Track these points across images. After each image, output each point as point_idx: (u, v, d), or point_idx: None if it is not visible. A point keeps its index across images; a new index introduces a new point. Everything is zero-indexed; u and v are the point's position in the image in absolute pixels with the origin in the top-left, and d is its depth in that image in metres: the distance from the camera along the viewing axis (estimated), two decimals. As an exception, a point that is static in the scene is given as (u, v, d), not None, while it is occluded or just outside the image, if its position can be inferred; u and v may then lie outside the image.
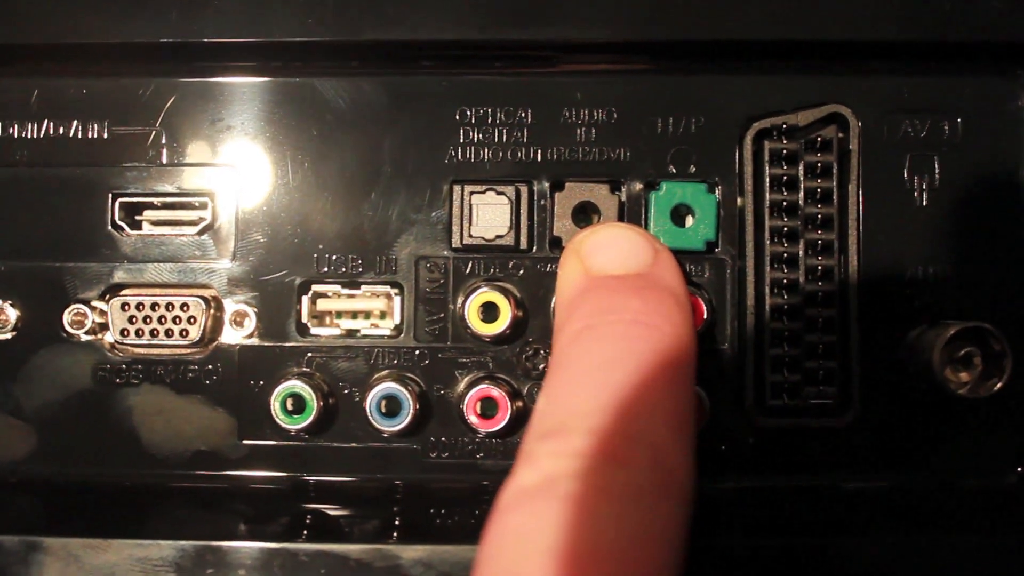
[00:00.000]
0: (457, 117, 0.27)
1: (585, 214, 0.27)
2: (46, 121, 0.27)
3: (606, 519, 0.18)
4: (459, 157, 0.27)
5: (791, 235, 0.27)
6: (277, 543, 0.25)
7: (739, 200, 0.27)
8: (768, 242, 0.27)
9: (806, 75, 0.27)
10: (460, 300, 0.27)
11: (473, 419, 0.27)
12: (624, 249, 0.23)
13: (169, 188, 0.27)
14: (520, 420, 0.27)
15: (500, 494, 0.19)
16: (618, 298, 0.22)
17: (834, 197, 0.27)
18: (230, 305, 0.27)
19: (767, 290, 0.27)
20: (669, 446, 0.19)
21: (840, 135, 0.27)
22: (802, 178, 0.27)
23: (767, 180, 0.27)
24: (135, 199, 0.27)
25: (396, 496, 0.27)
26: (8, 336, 0.27)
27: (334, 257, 0.27)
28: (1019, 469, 0.27)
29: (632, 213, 0.27)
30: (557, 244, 0.27)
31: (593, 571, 0.17)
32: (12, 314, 0.27)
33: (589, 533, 0.18)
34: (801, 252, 0.27)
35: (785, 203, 0.27)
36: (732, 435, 0.27)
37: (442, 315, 0.27)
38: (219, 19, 0.27)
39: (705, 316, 0.27)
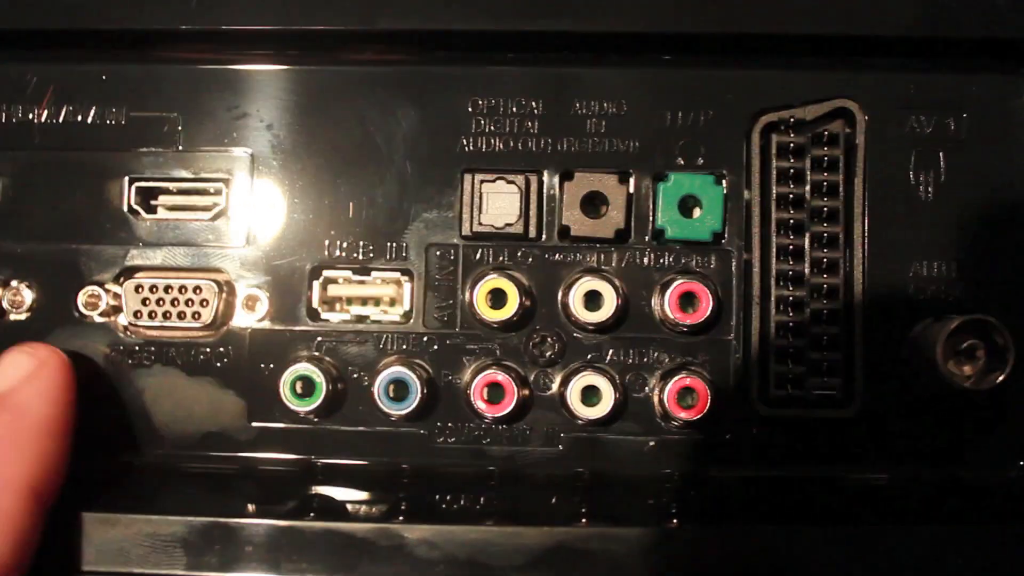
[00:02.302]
0: (469, 107, 0.27)
1: (594, 204, 0.27)
2: (65, 106, 0.28)
3: None
4: (470, 146, 0.27)
5: (797, 228, 0.27)
6: (284, 521, 0.26)
7: (746, 192, 0.27)
8: (774, 234, 0.27)
9: (814, 70, 0.27)
10: (469, 287, 0.27)
11: (480, 404, 0.27)
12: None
13: (185, 173, 0.28)
14: (526, 406, 0.27)
15: None
16: None
17: (840, 191, 0.27)
18: (242, 289, 0.28)
19: (773, 282, 0.27)
20: None
21: (847, 130, 0.27)
22: (809, 172, 0.27)
23: (774, 173, 0.27)
24: (151, 183, 0.28)
25: (402, 479, 0.28)
26: (23, 317, 0.28)
27: (345, 243, 0.27)
28: (1021, 462, 0.27)
29: (641, 204, 0.27)
30: (566, 233, 0.27)
31: None
32: (28, 295, 0.28)
33: None
34: (807, 245, 0.27)
35: (791, 196, 0.27)
36: (736, 425, 0.27)
37: (451, 302, 0.27)
38: (237, 7, 0.27)
39: (710, 307, 0.27)
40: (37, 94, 0.28)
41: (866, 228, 0.27)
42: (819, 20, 0.27)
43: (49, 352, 0.26)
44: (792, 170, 0.27)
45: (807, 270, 0.27)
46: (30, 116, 0.28)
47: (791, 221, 0.27)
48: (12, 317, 0.28)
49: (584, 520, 0.26)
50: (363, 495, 0.27)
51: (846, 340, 0.27)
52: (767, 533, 0.26)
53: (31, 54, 0.28)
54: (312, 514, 0.26)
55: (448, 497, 0.27)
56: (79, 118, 0.28)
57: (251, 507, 0.26)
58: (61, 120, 0.28)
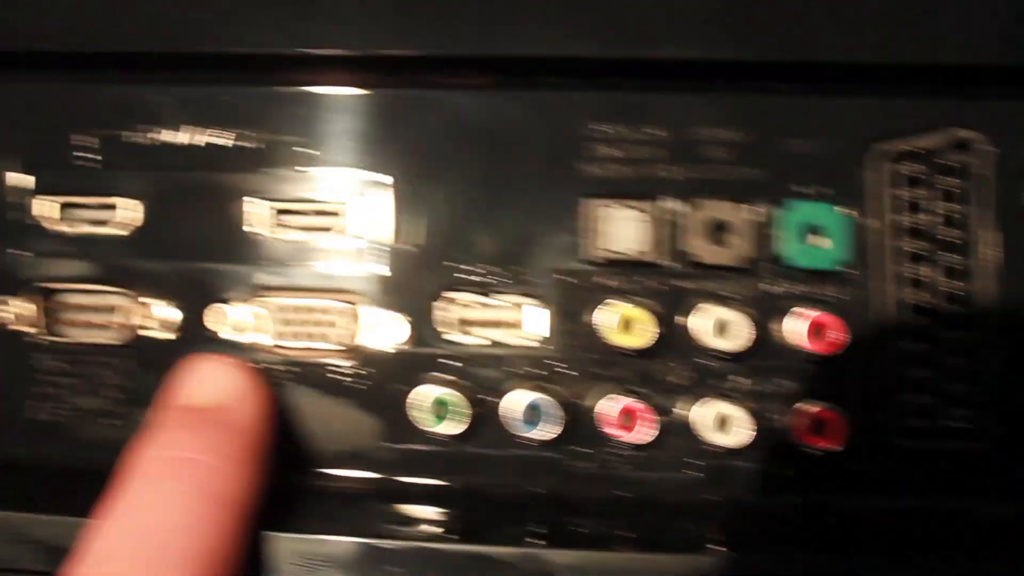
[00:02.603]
0: (595, 133, 0.28)
1: (718, 232, 0.28)
2: (202, 128, 0.29)
3: None
4: (596, 172, 0.28)
5: (924, 258, 0.28)
6: (429, 543, 0.26)
7: (870, 221, 0.28)
8: (902, 264, 0.28)
9: (938, 98, 0.28)
10: (597, 313, 0.28)
11: (613, 431, 0.27)
12: (201, 386, 0.26)
13: (316, 195, 0.29)
14: (661, 433, 0.27)
15: None
16: (181, 433, 0.24)
17: (966, 221, 0.28)
18: (375, 311, 0.28)
19: (901, 311, 0.28)
20: None
21: (971, 159, 0.28)
22: (933, 201, 0.28)
23: (898, 202, 0.28)
24: (285, 205, 0.29)
25: (535, 503, 0.28)
26: (168, 335, 0.28)
27: (479, 268, 0.28)
28: None
29: (765, 232, 0.28)
30: (691, 260, 0.27)
31: None
32: (167, 313, 0.28)
33: None
34: (935, 275, 0.28)
35: (917, 225, 0.28)
36: (867, 456, 0.27)
37: (584, 328, 0.28)
38: (366, 33, 0.28)
39: (842, 337, 0.27)
40: (174, 116, 0.29)
41: (995, 259, 0.27)
42: (941, 49, 0.28)
43: (252, 372, 0.27)
44: (916, 199, 0.28)
45: (937, 301, 0.28)
46: (169, 138, 0.29)
47: (919, 251, 0.28)
48: (154, 335, 0.29)
49: (719, 547, 0.26)
50: (497, 518, 0.27)
51: (980, 372, 0.27)
52: (898, 564, 0.26)
53: (171, 77, 0.29)
54: (452, 535, 0.27)
55: (582, 522, 0.27)
56: (216, 140, 0.29)
57: (393, 528, 0.27)
58: (194, 141, 0.29)
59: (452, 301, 0.28)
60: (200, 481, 0.23)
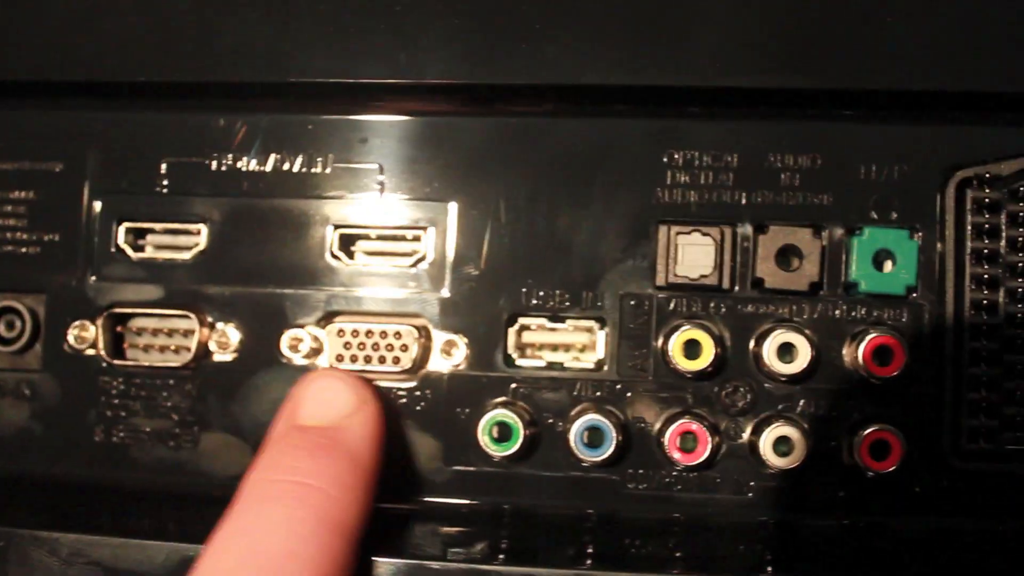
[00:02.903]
0: (665, 159, 0.28)
1: (787, 257, 0.28)
2: (272, 155, 0.29)
3: None
4: (666, 198, 0.28)
5: (991, 282, 0.28)
6: (482, 565, 0.26)
7: (939, 246, 0.28)
8: (967, 288, 0.28)
9: (1010, 126, 0.28)
10: (663, 336, 0.28)
11: (675, 454, 0.28)
12: (324, 401, 0.26)
13: (385, 221, 0.29)
14: (718, 454, 0.28)
15: None
16: (296, 456, 0.25)
17: (1037, 247, 0.28)
18: (440, 335, 0.29)
19: (966, 335, 0.28)
20: None
21: (1044, 186, 0.28)
22: (1004, 227, 0.28)
23: (968, 228, 0.28)
24: (352, 230, 0.29)
25: (593, 524, 0.28)
26: (230, 358, 0.29)
27: (541, 292, 0.28)
28: None
29: (833, 257, 0.28)
30: (759, 285, 0.28)
31: None
32: (235, 336, 0.29)
33: None
34: (1001, 299, 0.28)
35: (986, 251, 0.28)
36: (927, 477, 0.28)
37: (644, 351, 0.28)
38: (441, 62, 0.28)
39: (904, 361, 0.27)
40: (246, 143, 0.29)
41: (1062, 284, 0.27)
42: (1013, 77, 0.27)
43: (368, 389, 0.27)
44: (987, 225, 0.28)
45: (1002, 324, 0.28)
46: (238, 164, 0.29)
47: (985, 276, 0.28)
48: (218, 358, 0.29)
49: (770, 569, 0.27)
50: (556, 539, 0.28)
51: (1042, 396, 0.27)
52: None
53: (241, 104, 0.29)
54: (508, 556, 0.27)
55: (638, 541, 0.28)
56: (285, 166, 0.29)
57: (448, 549, 0.27)
58: (268, 168, 0.29)
59: (518, 324, 0.28)
60: (315, 508, 0.23)
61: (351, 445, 0.25)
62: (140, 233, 0.30)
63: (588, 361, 0.28)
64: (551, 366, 0.28)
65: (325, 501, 0.24)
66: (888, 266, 0.28)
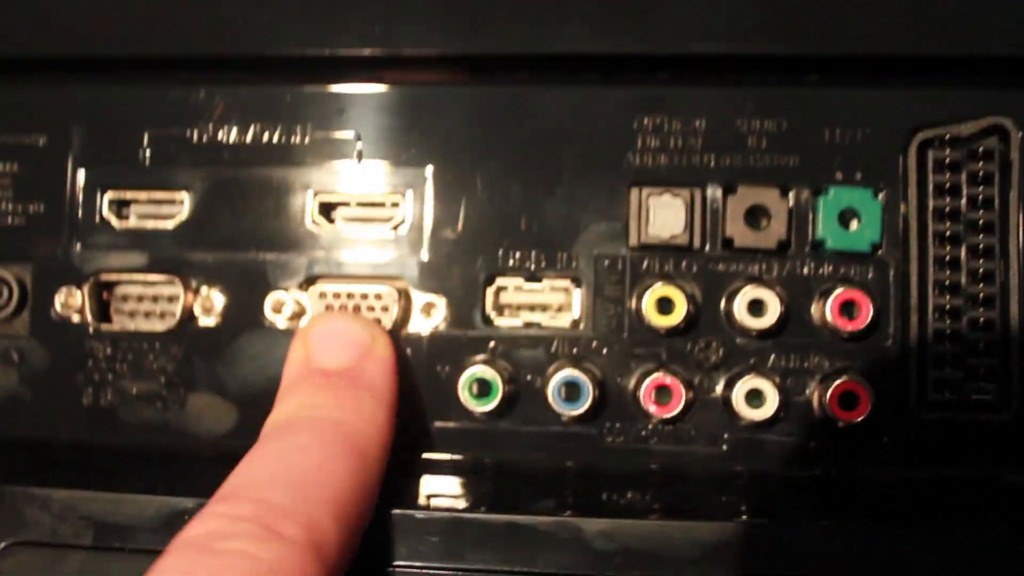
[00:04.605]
0: (636, 125, 0.29)
1: (756, 217, 0.29)
2: (251, 125, 0.30)
3: None
4: (637, 162, 0.29)
5: (953, 239, 0.29)
6: (467, 514, 0.27)
7: (903, 206, 0.28)
8: (931, 245, 0.29)
9: (970, 88, 0.28)
10: (637, 295, 0.29)
11: (650, 407, 0.28)
12: (339, 343, 0.27)
13: (364, 188, 0.30)
14: (692, 407, 0.29)
15: (172, 540, 0.22)
16: (320, 395, 0.26)
17: (995, 204, 0.28)
18: (420, 296, 0.29)
19: (930, 291, 0.29)
20: (325, 526, 0.22)
21: (1001, 145, 0.29)
22: (964, 186, 0.29)
23: (931, 187, 0.29)
24: (332, 197, 0.30)
25: (572, 476, 0.29)
26: (214, 322, 0.30)
27: (518, 253, 0.29)
28: None
29: (801, 216, 0.29)
30: (729, 244, 0.29)
31: None
32: (219, 301, 0.30)
33: None
34: (963, 255, 0.29)
35: (947, 209, 0.29)
36: (895, 428, 0.28)
37: (619, 309, 0.29)
38: (415, 32, 0.29)
39: (870, 315, 0.28)
40: (225, 115, 0.30)
41: (1021, 239, 0.28)
42: (974, 40, 0.28)
43: (377, 325, 0.28)
44: (948, 184, 0.29)
45: (964, 279, 0.28)
46: (219, 136, 0.30)
47: (947, 233, 0.29)
48: (203, 322, 0.30)
49: (746, 516, 0.28)
50: (537, 490, 0.29)
51: (1003, 346, 0.28)
52: (923, 532, 0.27)
53: (220, 77, 0.30)
54: (491, 507, 0.28)
55: (616, 493, 0.29)
56: (264, 137, 0.30)
57: (433, 500, 0.28)
58: (248, 139, 0.30)
59: (495, 285, 0.29)
60: (342, 435, 0.24)
61: (370, 381, 0.26)
62: (124, 203, 0.31)
63: (564, 320, 0.29)
64: (528, 325, 0.29)
65: (350, 431, 0.24)
66: (854, 224, 0.29)
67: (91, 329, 0.30)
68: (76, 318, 0.30)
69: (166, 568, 0.21)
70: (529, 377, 0.29)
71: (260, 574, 0.21)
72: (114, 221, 0.30)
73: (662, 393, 0.29)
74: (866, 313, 0.28)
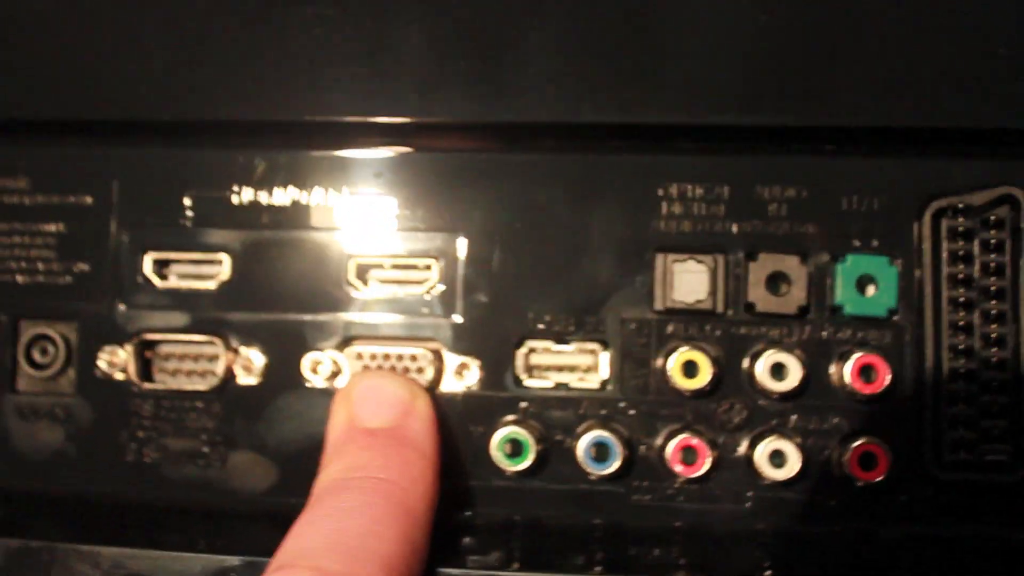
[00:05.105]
0: (660, 192, 0.30)
1: (776, 282, 0.30)
2: (290, 188, 0.31)
3: None
4: (661, 228, 0.30)
5: (967, 304, 0.30)
6: (497, 572, 0.29)
7: (917, 272, 0.30)
8: (945, 310, 0.30)
9: (982, 159, 0.30)
10: (662, 358, 0.30)
11: (677, 467, 0.29)
12: (381, 402, 0.28)
13: (399, 251, 0.31)
14: (717, 467, 0.30)
15: None
16: (366, 455, 0.27)
17: (1007, 270, 0.30)
18: (453, 357, 0.30)
19: (944, 354, 0.30)
20: None
21: (1012, 214, 0.30)
22: (977, 253, 0.30)
23: (944, 254, 0.30)
24: (368, 260, 0.31)
25: (600, 534, 0.30)
26: (255, 380, 0.31)
27: (547, 316, 0.30)
28: None
29: (820, 282, 0.30)
30: (751, 309, 0.30)
31: None
32: (259, 360, 0.31)
33: None
34: (976, 320, 0.30)
35: (961, 275, 0.30)
36: (911, 487, 0.29)
37: (645, 371, 0.30)
38: (448, 100, 0.30)
39: (888, 378, 0.29)
40: (265, 178, 0.31)
41: (1033, 305, 0.30)
42: (987, 114, 0.29)
43: (416, 383, 0.29)
44: (961, 251, 0.30)
45: (977, 343, 0.29)
46: (258, 199, 0.31)
47: (961, 299, 0.30)
48: (243, 381, 0.31)
49: (769, 571, 0.29)
50: (566, 548, 0.29)
51: (1015, 408, 0.29)
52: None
53: (261, 141, 0.31)
54: (523, 564, 0.29)
55: (642, 548, 0.30)
56: (303, 200, 0.31)
57: (468, 558, 0.29)
58: (287, 202, 0.31)
59: (526, 347, 0.30)
60: (389, 496, 0.25)
61: (414, 439, 0.27)
62: (165, 263, 0.32)
63: (593, 381, 0.30)
64: (558, 386, 0.30)
65: (397, 491, 0.25)
66: (870, 290, 0.30)
67: (135, 388, 0.31)
68: (120, 376, 0.31)
69: None
70: (559, 437, 0.30)
71: None
72: (156, 281, 0.31)
73: (688, 453, 0.30)
74: (883, 376, 0.29)
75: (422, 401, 0.28)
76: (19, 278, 0.32)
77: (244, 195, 0.31)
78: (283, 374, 0.31)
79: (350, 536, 0.24)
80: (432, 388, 0.30)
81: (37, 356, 0.32)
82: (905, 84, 0.30)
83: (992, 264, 0.30)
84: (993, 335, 0.30)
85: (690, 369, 0.30)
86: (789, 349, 0.29)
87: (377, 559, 0.24)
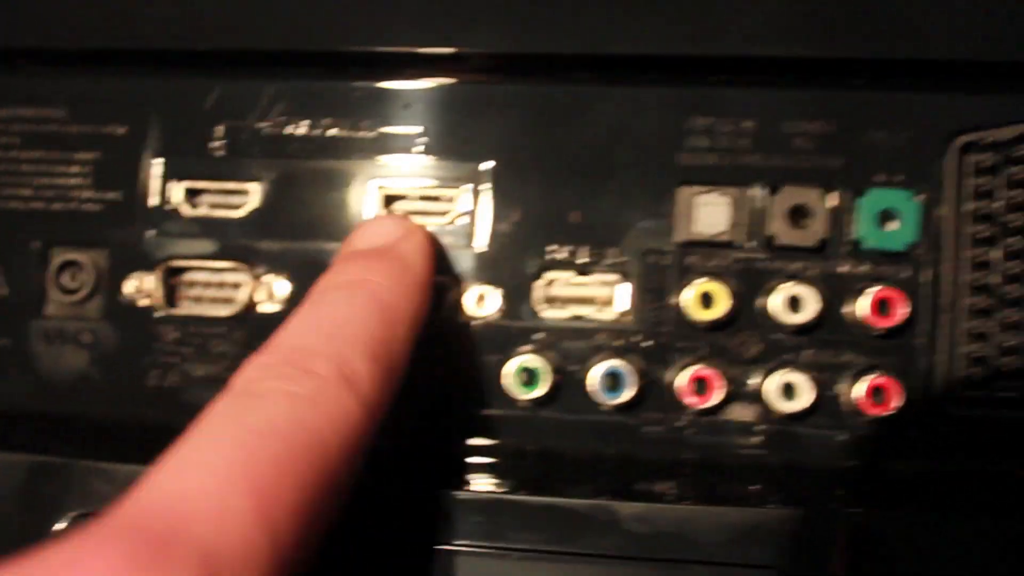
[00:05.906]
0: (686, 125, 0.30)
1: (797, 216, 0.30)
2: (320, 119, 0.31)
3: (283, 413, 0.22)
4: (685, 162, 0.30)
5: (988, 241, 0.29)
6: (509, 496, 0.29)
7: (941, 207, 0.30)
8: (966, 247, 0.30)
9: (1010, 94, 0.29)
10: (681, 290, 0.30)
11: (689, 399, 0.30)
12: (376, 231, 0.29)
13: (426, 181, 0.31)
14: (730, 400, 0.30)
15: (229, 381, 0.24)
16: (351, 266, 0.27)
17: (1032, 207, 0.30)
18: (475, 286, 0.31)
19: (963, 290, 0.30)
20: (356, 363, 0.24)
21: (1040, 151, 0.30)
22: (1001, 189, 0.29)
23: (968, 190, 0.30)
24: (395, 190, 0.31)
25: (610, 463, 0.31)
26: (277, 308, 0.31)
27: (568, 248, 0.30)
28: None
29: (840, 216, 0.29)
30: (771, 243, 0.30)
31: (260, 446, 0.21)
32: (284, 288, 0.31)
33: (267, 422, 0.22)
34: (996, 257, 0.30)
35: (983, 211, 0.30)
36: (925, 422, 0.30)
37: (663, 303, 0.30)
38: (479, 31, 0.30)
39: (904, 312, 0.29)
40: (295, 109, 0.31)
41: (1056, 243, 0.29)
42: (1017, 47, 0.29)
43: (416, 223, 0.29)
44: (985, 187, 0.29)
45: (997, 280, 0.30)
46: (288, 129, 0.31)
47: (982, 235, 0.30)
48: (268, 308, 0.31)
49: (779, 504, 0.29)
50: (575, 476, 0.30)
51: (1032, 347, 0.29)
52: (943, 522, 0.29)
53: (291, 72, 0.31)
54: (531, 490, 0.29)
55: (652, 481, 0.30)
56: (332, 131, 0.31)
57: (477, 483, 0.30)
58: (317, 132, 0.31)
59: (545, 278, 0.30)
60: (373, 293, 0.26)
61: (403, 255, 0.28)
62: (196, 192, 0.32)
63: (610, 313, 0.31)
64: (575, 317, 0.31)
65: (379, 288, 0.26)
66: (892, 225, 0.30)
67: (160, 313, 0.32)
68: (145, 302, 0.32)
69: (209, 413, 0.22)
70: (573, 368, 0.30)
71: (297, 407, 0.22)
72: (186, 209, 0.32)
73: (700, 385, 0.30)
74: (900, 310, 0.29)
75: (419, 232, 0.29)
76: (54, 206, 0.33)
77: (275, 126, 0.31)
78: (307, 301, 0.32)
79: (326, 321, 0.25)
80: (452, 315, 0.31)
81: (67, 281, 0.33)
82: (935, 16, 0.29)
83: (1016, 201, 0.30)
84: (1012, 272, 0.30)
85: (707, 301, 0.30)
86: (807, 282, 0.29)
87: (353, 337, 0.24)
